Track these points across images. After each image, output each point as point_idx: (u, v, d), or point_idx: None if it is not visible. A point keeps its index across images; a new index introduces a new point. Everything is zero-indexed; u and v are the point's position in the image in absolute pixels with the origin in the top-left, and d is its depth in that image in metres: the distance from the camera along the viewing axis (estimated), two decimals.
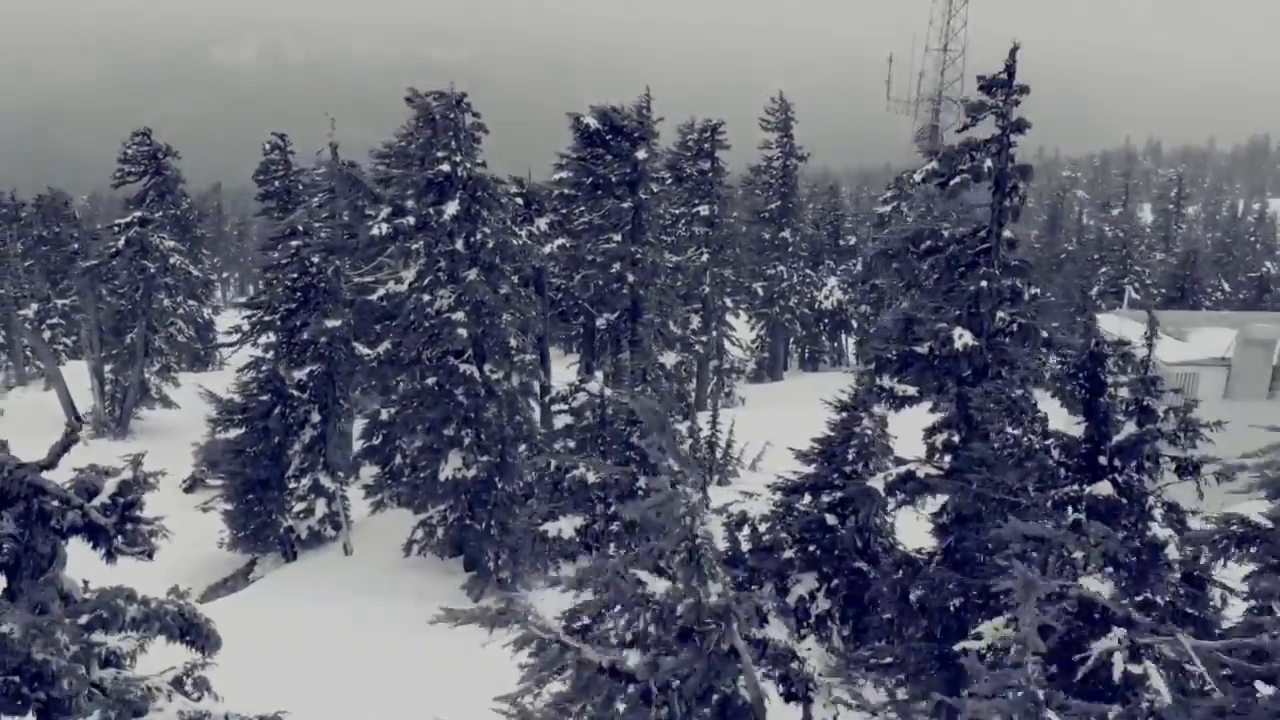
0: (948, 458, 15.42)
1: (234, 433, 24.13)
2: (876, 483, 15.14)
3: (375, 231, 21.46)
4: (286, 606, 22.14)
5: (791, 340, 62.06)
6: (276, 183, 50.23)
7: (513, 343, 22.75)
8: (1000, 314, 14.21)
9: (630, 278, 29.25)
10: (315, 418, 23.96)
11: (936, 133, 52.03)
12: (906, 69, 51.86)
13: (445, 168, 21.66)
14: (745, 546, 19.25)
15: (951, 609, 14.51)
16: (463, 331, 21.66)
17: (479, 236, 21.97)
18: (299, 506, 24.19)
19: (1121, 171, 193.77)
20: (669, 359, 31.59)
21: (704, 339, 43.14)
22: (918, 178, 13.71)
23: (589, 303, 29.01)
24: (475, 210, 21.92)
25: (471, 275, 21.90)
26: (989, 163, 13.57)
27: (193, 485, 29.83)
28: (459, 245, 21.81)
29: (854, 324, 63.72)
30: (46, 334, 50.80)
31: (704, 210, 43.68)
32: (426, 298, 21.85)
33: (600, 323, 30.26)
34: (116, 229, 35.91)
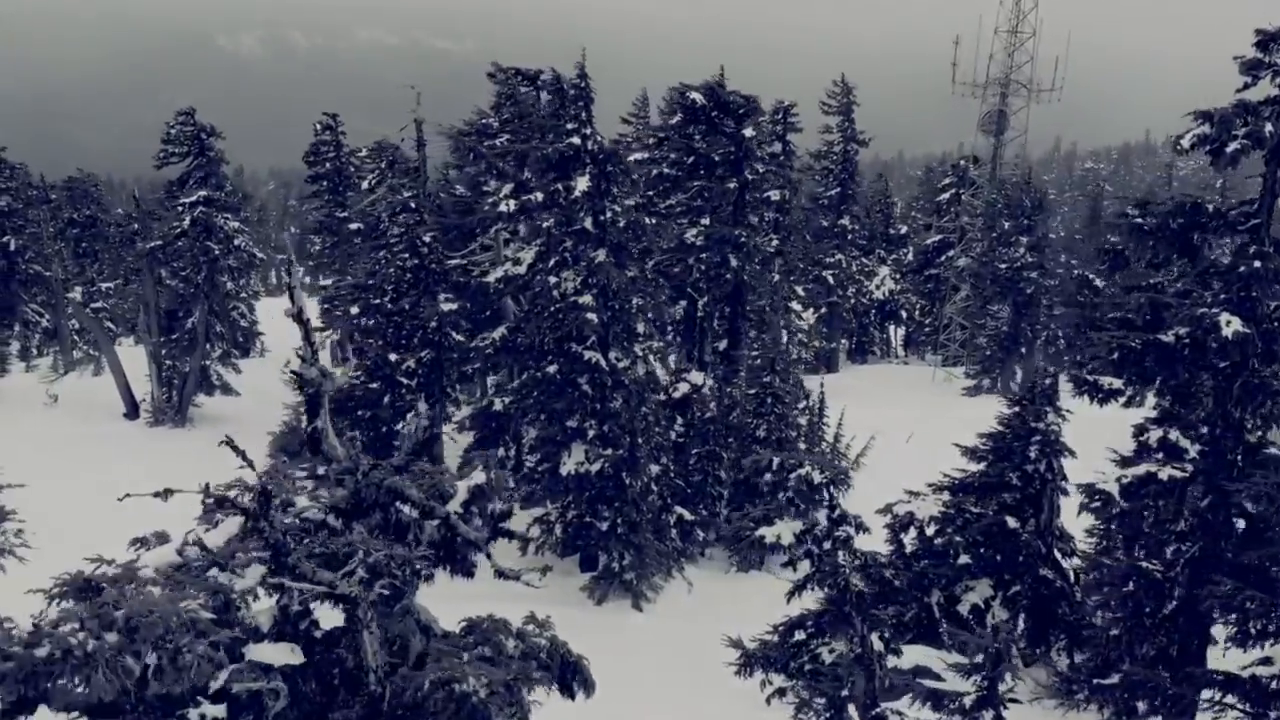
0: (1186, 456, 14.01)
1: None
2: (1109, 485, 13.72)
3: (503, 208, 20.08)
4: None
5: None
6: (327, 164, 48.86)
7: (640, 329, 21.40)
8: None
9: (733, 261, 27.83)
10: (422, 407, 22.58)
11: (1004, 117, 50.48)
12: (973, 52, 50.34)
13: (575, 140, 20.26)
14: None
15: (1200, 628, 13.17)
16: (592, 316, 20.29)
17: (608, 214, 20.58)
18: None
19: (1142, 164, 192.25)
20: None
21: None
22: (1186, 143, 12.26)
23: (691, 288, 27.60)
24: (605, 186, 20.52)
25: (600, 256, 20.52)
26: (1269, 127, 12.13)
27: None
28: (587, 223, 20.41)
29: (904, 315, 62.42)
30: (78, 320, 49.44)
31: (774, 195, 42.21)
32: (553, 280, 20.48)
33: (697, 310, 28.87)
34: (181, 209, 34.45)
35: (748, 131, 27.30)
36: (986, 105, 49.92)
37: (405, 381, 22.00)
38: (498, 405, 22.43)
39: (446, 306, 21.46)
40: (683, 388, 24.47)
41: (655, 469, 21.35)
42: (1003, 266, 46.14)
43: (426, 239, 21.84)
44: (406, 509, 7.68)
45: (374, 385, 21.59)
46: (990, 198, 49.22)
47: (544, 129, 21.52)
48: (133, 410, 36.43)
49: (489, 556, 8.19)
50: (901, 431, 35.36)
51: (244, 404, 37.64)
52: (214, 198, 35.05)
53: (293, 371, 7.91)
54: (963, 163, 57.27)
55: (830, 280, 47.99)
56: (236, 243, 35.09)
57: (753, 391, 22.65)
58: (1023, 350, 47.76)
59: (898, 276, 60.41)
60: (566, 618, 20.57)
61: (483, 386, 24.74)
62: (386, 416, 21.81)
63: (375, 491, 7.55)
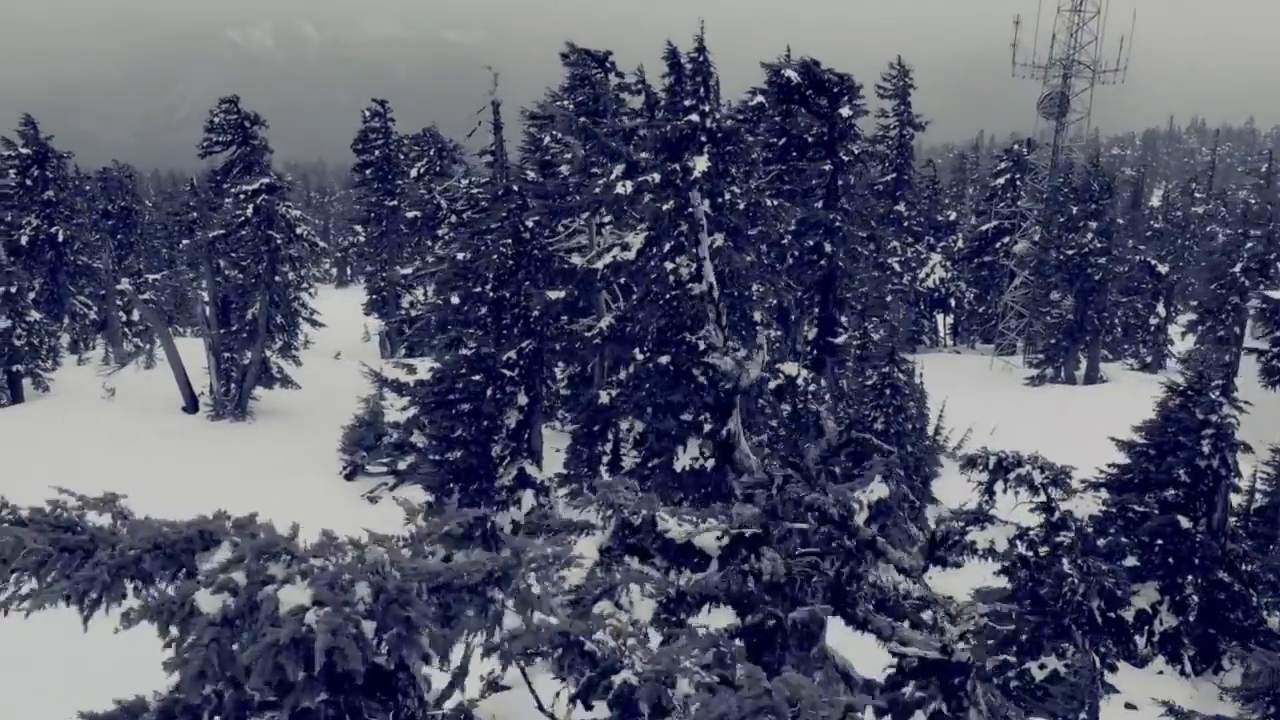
0: None
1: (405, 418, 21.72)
2: None
3: (620, 190, 19.01)
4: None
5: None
6: (376, 152, 47.91)
7: (757, 316, 20.32)
8: None
9: (828, 247, 26.70)
10: (522, 400, 21.58)
11: (1065, 100, 49.10)
12: (1033, 32, 48.93)
13: (694, 118, 19.15)
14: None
15: None
16: (709, 304, 19.24)
17: (727, 196, 19.50)
18: (501, 498, 21.85)
19: (1166, 150, 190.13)
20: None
21: None
22: None
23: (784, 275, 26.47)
24: (723, 166, 19.44)
25: (718, 240, 19.46)
26: None
27: (353, 473, 27.54)
28: (705, 206, 19.32)
29: (953, 304, 61.15)
30: (136, 312, 48.59)
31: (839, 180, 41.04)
32: (669, 265, 19.40)
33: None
34: (242, 197, 33.50)
35: (844, 111, 26.14)
36: (1047, 88, 48.63)
37: (507, 373, 20.98)
38: (603, 398, 21.39)
39: (553, 295, 20.43)
40: (778, 379, 23.43)
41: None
42: (1070, 252, 44.87)
43: (529, 224, 20.77)
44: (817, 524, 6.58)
45: (476, 377, 20.56)
46: (1057, 182, 47.87)
47: (651, 107, 20.38)
48: (191, 404, 35.56)
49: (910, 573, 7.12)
50: (973, 422, 34.26)
51: (301, 396, 36.79)
52: (275, 185, 34.09)
53: (704, 363, 6.82)
54: (1016, 147, 55.90)
55: (896, 267, 46.77)
56: (299, 231, 34.13)
57: (870, 382, 21.58)
58: (1087, 339, 46.54)
59: (947, 264, 59.18)
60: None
61: (584, 377, 23.73)
62: (490, 410, 20.79)
63: (793, 508, 6.46)
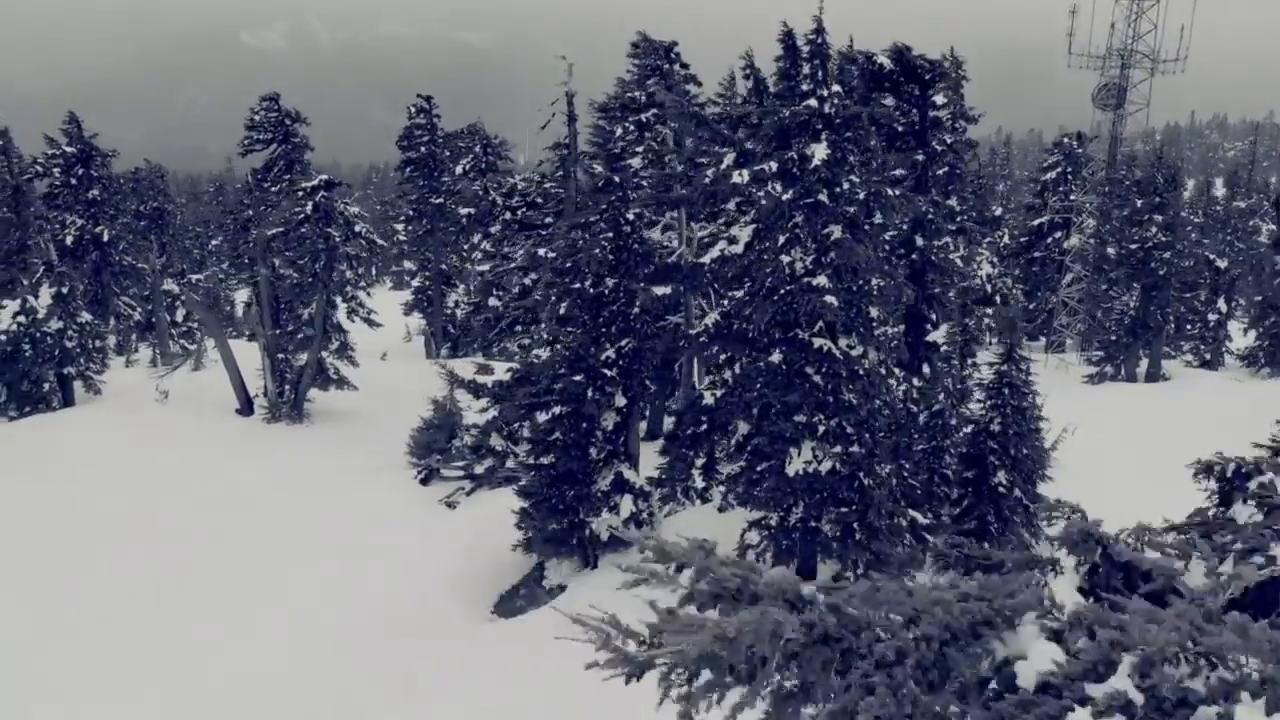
0: None
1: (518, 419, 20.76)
2: None
3: (736, 179, 18.03)
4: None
5: None
6: (422, 148, 47.04)
7: (874, 313, 19.29)
8: None
9: (919, 240, 25.60)
10: (620, 401, 20.63)
11: (1122, 91, 47.93)
12: (1087, 23, 47.77)
13: (813, 103, 18.16)
14: None
15: None
16: (831, 299, 18.23)
17: (845, 185, 18.48)
18: (598, 503, 20.88)
19: (1189, 145, 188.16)
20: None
21: None
22: None
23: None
24: (841, 154, 18.42)
25: (837, 232, 18.43)
26: None
27: (428, 477, 26.63)
28: (822, 196, 18.31)
29: (998, 300, 59.97)
30: (180, 312, 47.83)
31: (898, 172, 39.95)
32: (785, 259, 18.41)
33: None
34: (301, 194, 32.65)
35: (938, 99, 25.02)
36: (1104, 78, 47.44)
37: (607, 373, 20.02)
38: (707, 398, 20.40)
39: (659, 290, 19.46)
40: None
41: (887, 468, 19.32)
42: (1133, 246, 43.76)
43: (630, 216, 19.81)
44: None
45: (577, 377, 19.60)
46: (1119, 174, 46.70)
47: (760, 92, 19.40)
48: (246, 406, 34.73)
49: None
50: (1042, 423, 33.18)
51: (353, 398, 35.93)
52: (334, 182, 33.21)
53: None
54: (1066, 140, 54.72)
55: (959, 263, 45.58)
56: (357, 229, 33.26)
57: (987, 381, 20.56)
58: (1149, 336, 45.41)
59: (994, 260, 58.02)
60: None
61: (686, 377, 22.77)
62: (590, 412, 19.85)
63: None
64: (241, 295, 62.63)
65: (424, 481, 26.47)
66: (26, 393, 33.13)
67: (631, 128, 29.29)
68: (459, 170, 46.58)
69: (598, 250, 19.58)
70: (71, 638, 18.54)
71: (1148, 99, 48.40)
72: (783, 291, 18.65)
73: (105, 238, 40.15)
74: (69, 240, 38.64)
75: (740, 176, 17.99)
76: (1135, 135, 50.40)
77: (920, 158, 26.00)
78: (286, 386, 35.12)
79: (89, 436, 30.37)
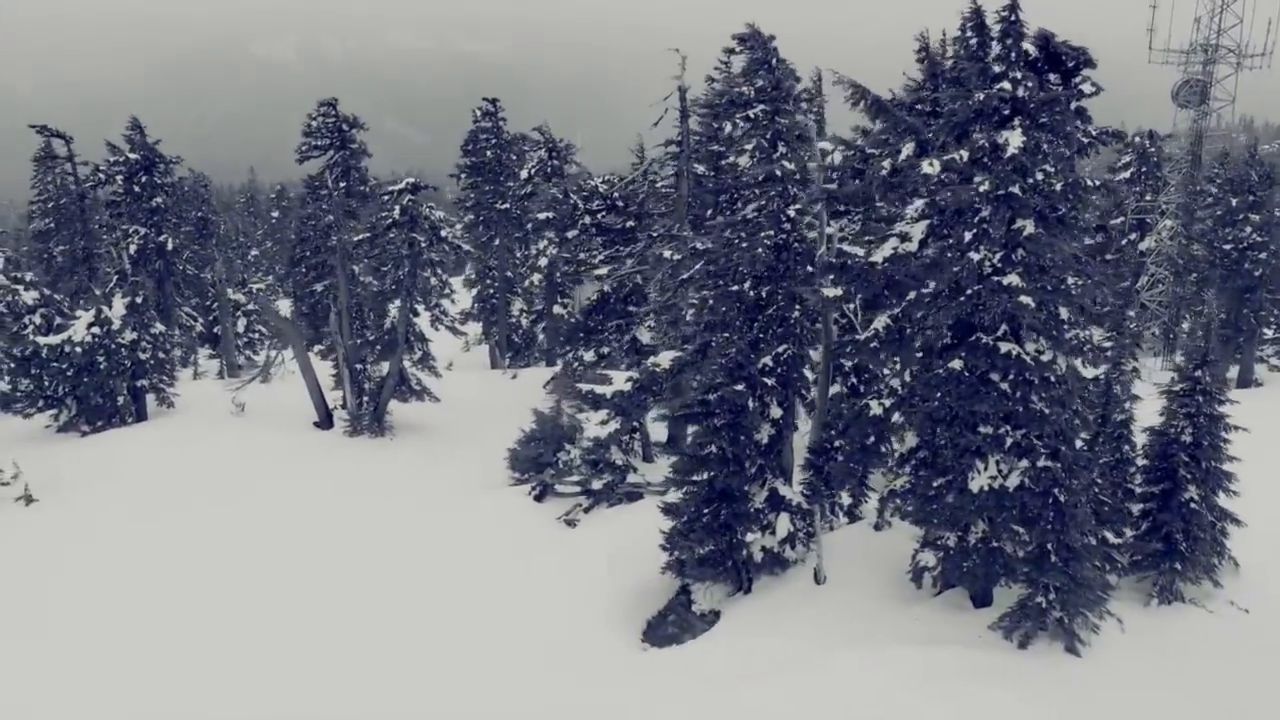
0: None
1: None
2: None
3: (927, 169, 16.58)
4: (781, 659, 17.29)
5: None
6: (488, 153, 45.74)
7: (1064, 314, 17.77)
8: None
9: None
10: (775, 412, 19.15)
11: (1206, 88, 46.37)
12: (1167, 17, 46.25)
13: (1007, 86, 16.72)
14: None
15: None
16: (1027, 300, 16.76)
17: (1039, 176, 17.00)
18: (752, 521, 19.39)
19: None
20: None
21: None
22: None
23: None
24: (1036, 142, 16.94)
25: (1029, 227, 16.97)
26: None
27: (543, 493, 25.15)
28: (1015, 188, 16.84)
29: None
30: (242, 322, 46.57)
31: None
32: (974, 256, 16.94)
33: None
34: (387, 198, 31.34)
35: (1086, 88, 23.53)
36: (1187, 74, 45.97)
37: (767, 382, 18.56)
38: (875, 409, 18.91)
39: (830, 293, 17.99)
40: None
41: (1085, 482, 17.77)
42: (1226, 247, 42.18)
43: (791, 213, 18.36)
44: None
45: (739, 387, 18.13)
46: (1211, 172, 45.10)
47: (935, 78, 18.02)
48: (326, 419, 33.39)
49: None
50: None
51: (429, 409, 34.51)
52: (420, 185, 31.87)
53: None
54: (1137, 139, 53.17)
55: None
56: (443, 234, 31.88)
57: (1178, 388, 19.03)
58: (1240, 340, 43.75)
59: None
60: (981, 665, 17.04)
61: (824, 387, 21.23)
62: (750, 423, 18.38)
63: None
64: (284, 305, 61.36)
65: (538, 498, 24.99)
66: (98, 407, 31.80)
67: (741, 123, 27.88)
68: (524, 175, 45.26)
69: (760, 250, 18.11)
70: (190, 674, 17.15)
71: (1232, 95, 46.85)
72: (970, 292, 17.18)
73: (169, 247, 38.87)
74: (132, 249, 37.34)
75: (931, 167, 16.53)
76: (1220, 133, 48.80)
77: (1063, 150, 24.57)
78: (364, 398, 33.77)
79: (168, 453, 29.00)
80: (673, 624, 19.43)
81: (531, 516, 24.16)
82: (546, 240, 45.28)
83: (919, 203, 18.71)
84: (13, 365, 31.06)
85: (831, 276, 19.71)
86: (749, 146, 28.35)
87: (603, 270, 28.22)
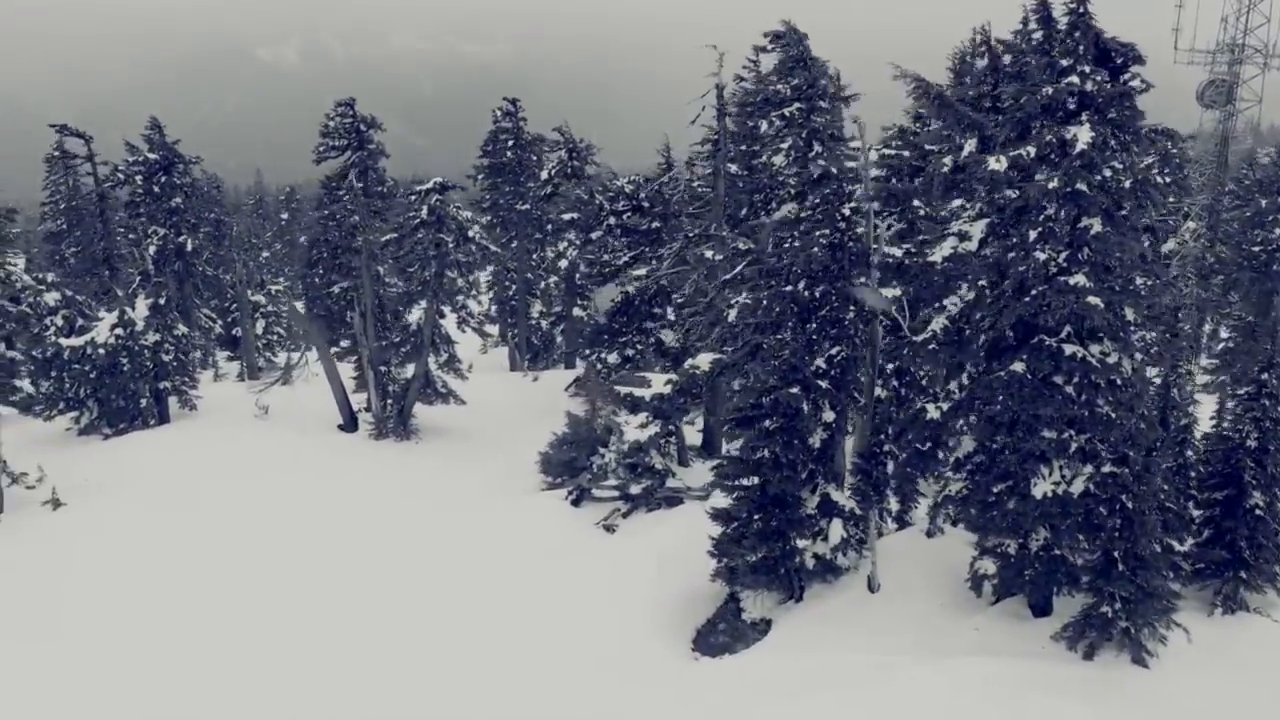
0: None
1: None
2: None
3: (994, 165, 16.10)
4: (840, 670, 16.78)
5: None
6: (508, 154, 45.27)
7: (1129, 315, 17.30)
8: None
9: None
10: (828, 415, 18.66)
11: (1232, 88, 45.91)
12: (1193, 17, 45.86)
13: (1075, 80, 16.27)
14: None
15: None
16: (1095, 300, 16.29)
17: (1107, 173, 16.53)
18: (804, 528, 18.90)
19: None
20: None
21: None
22: None
23: None
24: (1104, 138, 16.48)
25: (1096, 225, 16.50)
26: None
27: (579, 498, 24.66)
28: (1082, 185, 16.37)
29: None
30: (261, 324, 46.12)
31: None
32: (1040, 255, 16.47)
33: None
34: (414, 198, 30.89)
35: (1135, 84, 23.07)
36: (1212, 75, 45.53)
37: (821, 384, 18.08)
38: (932, 412, 18.43)
39: (889, 293, 17.52)
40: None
41: (1152, 488, 17.26)
42: (1255, 249, 41.70)
43: (845, 211, 17.89)
44: None
45: (793, 390, 17.65)
46: (1240, 173, 44.64)
47: (996, 72, 17.54)
48: (351, 423, 32.92)
49: None
50: None
51: (453, 412, 34.03)
52: (447, 185, 31.43)
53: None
54: (1157, 138, 52.54)
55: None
56: (470, 234, 31.43)
57: (1243, 391, 18.55)
58: (1269, 342, 43.24)
59: None
60: (1048, 677, 16.51)
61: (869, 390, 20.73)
62: (805, 427, 17.90)
63: None
64: (297, 307, 60.76)
65: (575, 503, 24.50)
66: (121, 409, 31.34)
67: (777, 121, 27.43)
68: (544, 175, 44.80)
69: (815, 249, 17.64)
70: (223, 684, 16.67)
71: (1259, 96, 46.38)
72: (1035, 293, 16.70)
73: (189, 247, 38.42)
74: (152, 250, 36.88)
75: (998, 163, 16.05)
76: (1245, 133, 48.36)
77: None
78: (388, 401, 33.31)
79: (194, 456, 28.53)
80: (723, 632, 18.94)
81: (569, 521, 23.66)
82: (567, 242, 44.86)
83: (977, 201, 18.30)
84: (34, 367, 30.61)
85: (877, 275, 19.32)
86: (784, 145, 27.94)
87: (641, 270, 27.73)
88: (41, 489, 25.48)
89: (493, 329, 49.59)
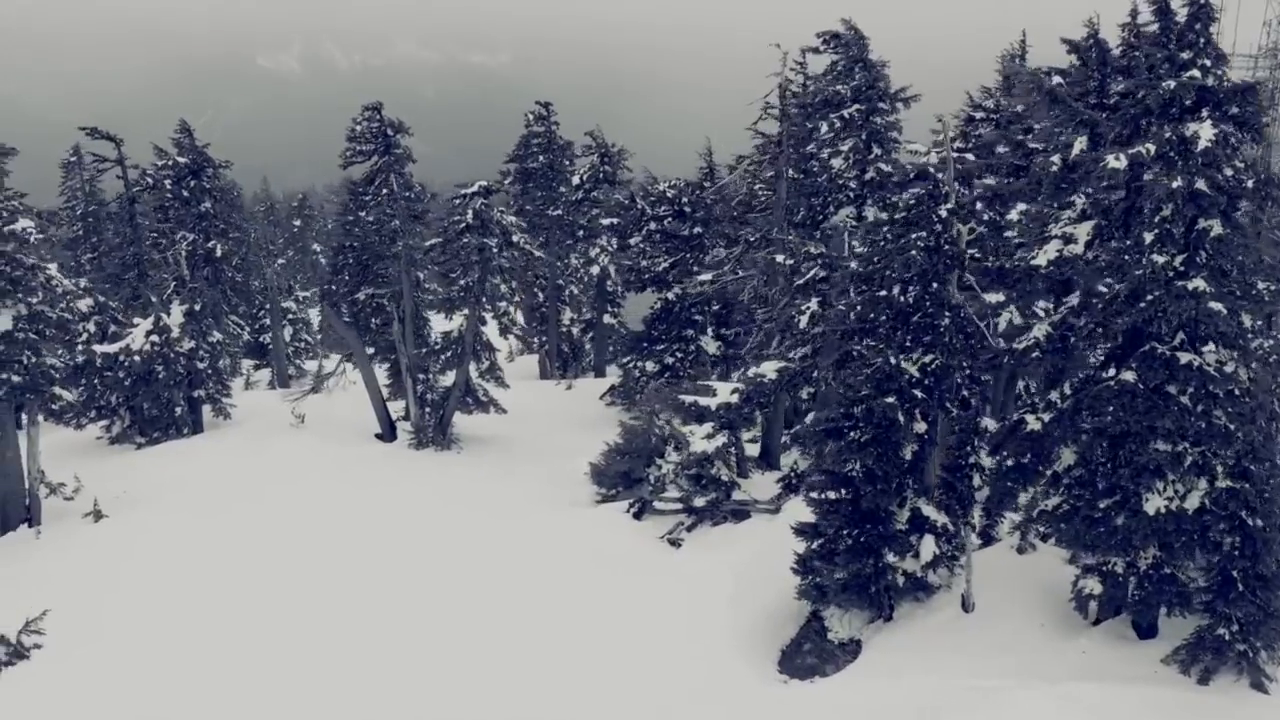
0: None
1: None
2: None
3: (1114, 163, 15.29)
4: (945, 696, 15.89)
5: None
6: (540, 158, 44.48)
7: (1246, 321, 16.48)
8: None
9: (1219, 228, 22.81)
10: (919, 426, 17.81)
11: (1275, 93, 45.12)
12: (1233, 20, 45.12)
13: (1195, 74, 15.49)
14: None
15: None
16: (1217, 306, 15.49)
17: (1229, 171, 15.74)
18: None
19: None
20: None
21: None
22: None
23: None
24: (1224, 136, 15.69)
25: (1216, 227, 15.70)
26: None
27: (641, 510, 23.77)
28: (1202, 184, 15.58)
29: None
30: (288, 330, 45.27)
31: None
32: (1159, 259, 15.66)
33: None
34: (458, 202, 30.07)
35: (1208, 82, 22.35)
36: (1255, 77, 44.87)
37: (916, 394, 17.24)
38: (1031, 423, 17.56)
39: (993, 298, 16.70)
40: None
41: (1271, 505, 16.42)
42: None
43: (942, 212, 17.07)
44: None
45: (889, 399, 16.81)
46: None
47: (1103, 66, 16.77)
48: (389, 432, 32.06)
49: None
50: None
51: (494, 422, 33.13)
52: (491, 188, 30.62)
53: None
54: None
55: None
56: (514, 238, 30.60)
57: None
58: None
59: None
60: (1165, 702, 15.59)
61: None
62: (902, 438, 17.06)
63: None
64: (312, 314, 60.06)
65: (637, 515, 23.60)
66: (154, 418, 30.45)
67: (837, 122, 26.71)
68: (575, 180, 44.02)
69: (914, 252, 16.82)
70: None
71: None
72: (1150, 297, 15.87)
73: (219, 253, 37.54)
74: (171, 257, 36.02)
75: (1118, 161, 15.24)
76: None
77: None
78: (426, 409, 32.43)
79: (234, 466, 27.64)
80: (809, 653, 18.05)
81: (631, 534, 22.77)
82: (599, 248, 44.07)
83: (1078, 201, 17.51)
84: (65, 375, 29.71)
85: (971, 279, 18.48)
86: (844, 148, 27.29)
87: (705, 276, 26.85)
88: (80, 500, 24.62)
89: (514, 337, 48.71)
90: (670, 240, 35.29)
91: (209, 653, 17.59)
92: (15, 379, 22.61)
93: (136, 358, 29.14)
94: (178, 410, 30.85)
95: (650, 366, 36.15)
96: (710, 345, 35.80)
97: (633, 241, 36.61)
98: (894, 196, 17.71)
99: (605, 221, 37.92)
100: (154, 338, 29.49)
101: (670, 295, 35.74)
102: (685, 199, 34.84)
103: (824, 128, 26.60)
